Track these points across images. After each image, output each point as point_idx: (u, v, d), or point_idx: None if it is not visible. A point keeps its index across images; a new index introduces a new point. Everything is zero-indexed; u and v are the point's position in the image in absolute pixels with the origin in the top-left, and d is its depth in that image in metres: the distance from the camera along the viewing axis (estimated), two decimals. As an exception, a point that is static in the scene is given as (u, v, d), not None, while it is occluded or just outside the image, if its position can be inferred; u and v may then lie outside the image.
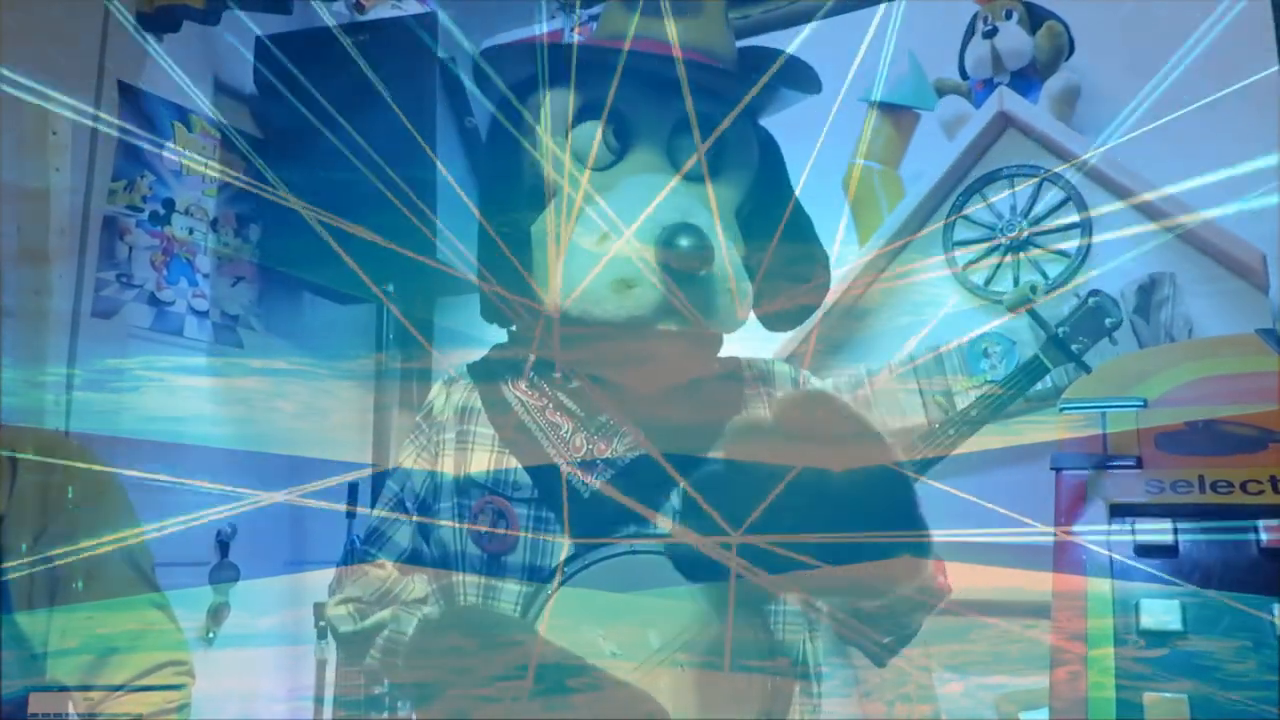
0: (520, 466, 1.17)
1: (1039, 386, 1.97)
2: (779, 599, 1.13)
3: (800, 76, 1.26)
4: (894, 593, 0.98)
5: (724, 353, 1.26)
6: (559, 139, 1.20)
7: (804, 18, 2.37)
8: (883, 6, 2.22)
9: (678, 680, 1.05)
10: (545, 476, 1.16)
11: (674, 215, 1.10)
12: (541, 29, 2.53)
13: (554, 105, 1.20)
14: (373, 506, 1.34)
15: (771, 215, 1.23)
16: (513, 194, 1.22)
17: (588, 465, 1.15)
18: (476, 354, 1.31)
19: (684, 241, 1.07)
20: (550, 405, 1.20)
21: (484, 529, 1.16)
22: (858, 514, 0.91)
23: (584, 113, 1.20)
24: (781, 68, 1.25)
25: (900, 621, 1.14)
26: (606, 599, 1.07)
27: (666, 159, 1.19)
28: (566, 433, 1.18)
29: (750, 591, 1.02)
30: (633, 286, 1.10)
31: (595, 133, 1.19)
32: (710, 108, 1.19)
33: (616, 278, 1.11)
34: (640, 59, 1.19)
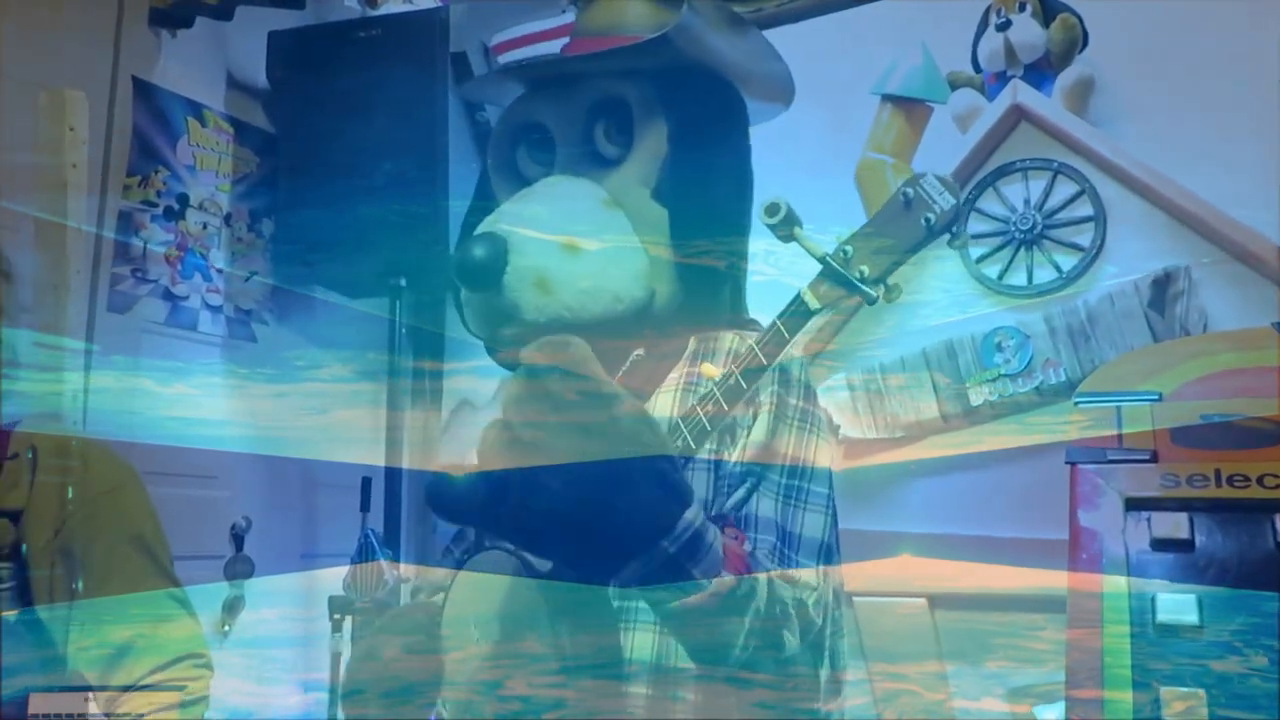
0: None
1: (1053, 380, 1.97)
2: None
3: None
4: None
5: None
6: (503, 165, 1.31)
7: (810, 13, 2.36)
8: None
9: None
10: None
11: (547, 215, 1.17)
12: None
13: (497, 136, 1.32)
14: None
15: (696, 178, 1.22)
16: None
17: None
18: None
19: (476, 253, 1.15)
20: None
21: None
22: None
23: (515, 137, 1.30)
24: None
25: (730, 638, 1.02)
26: (492, 590, 1.11)
27: (588, 155, 1.23)
28: None
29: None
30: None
31: (522, 153, 1.30)
32: (622, 88, 1.23)
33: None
34: (562, 63, 1.28)
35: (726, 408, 1.00)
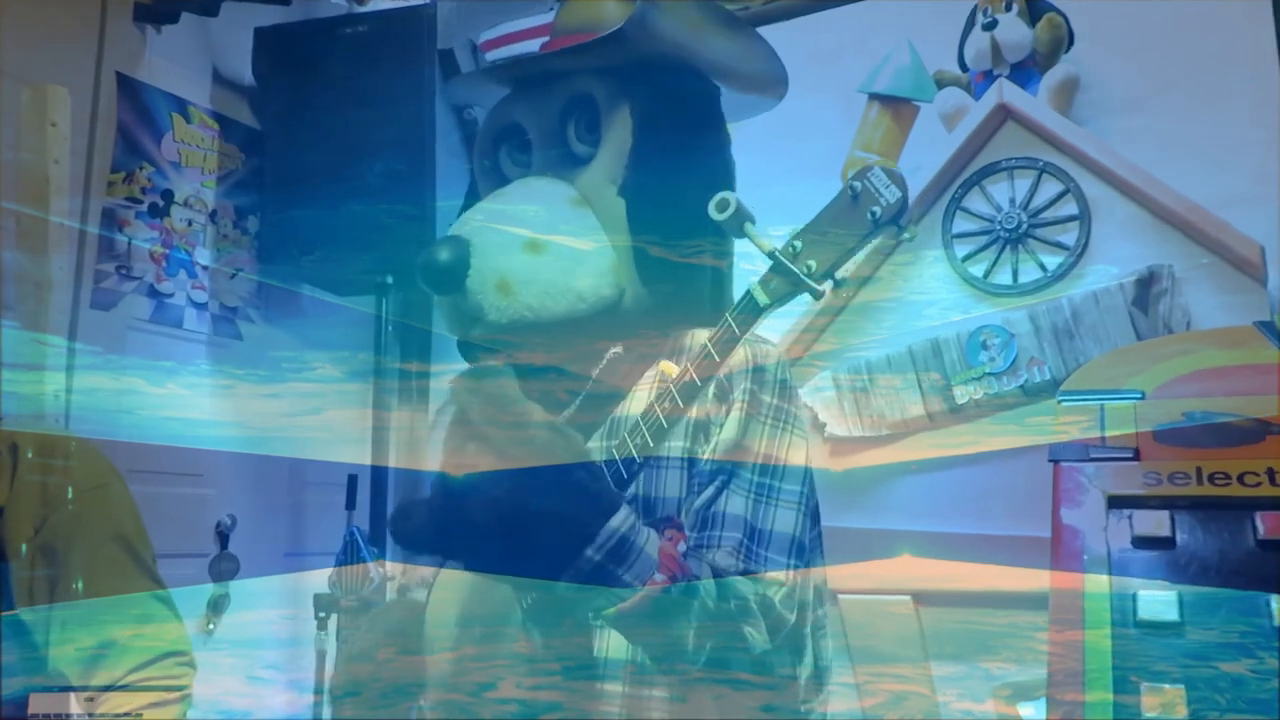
0: None
1: (1038, 378, 1.98)
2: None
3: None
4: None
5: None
6: (487, 167, 1.31)
7: (796, 12, 2.37)
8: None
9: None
10: None
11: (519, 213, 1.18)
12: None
13: (481, 138, 1.32)
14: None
15: (664, 174, 1.21)
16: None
17: None
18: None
19: (439, 256, 1.15)
20: None
21: None
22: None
23: (497, 139, 1.30)
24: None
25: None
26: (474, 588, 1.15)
27: (564, 156, 1.24)
28: None
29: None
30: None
31: (504, 155, 1.30)
32: (590, 85, 1.22)
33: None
34: (539, 62, 1.27)
35: (683, 405, 1.01)
